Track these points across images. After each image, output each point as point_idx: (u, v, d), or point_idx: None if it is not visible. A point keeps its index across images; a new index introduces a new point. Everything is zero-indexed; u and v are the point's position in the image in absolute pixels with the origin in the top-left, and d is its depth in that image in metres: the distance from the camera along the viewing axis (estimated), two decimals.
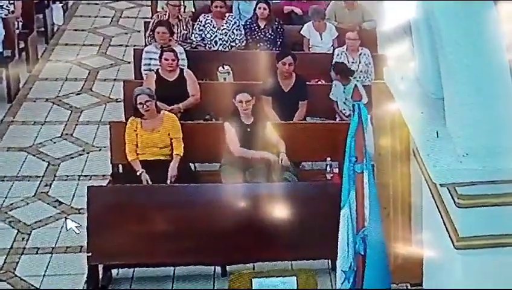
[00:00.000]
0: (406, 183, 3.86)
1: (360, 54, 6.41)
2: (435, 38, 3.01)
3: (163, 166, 5.13)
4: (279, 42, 6.98)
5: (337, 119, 6.00)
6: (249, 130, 5.20)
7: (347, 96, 5.94)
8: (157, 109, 5.31)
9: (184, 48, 6.56)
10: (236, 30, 6.90)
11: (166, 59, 5.85)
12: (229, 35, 6.87)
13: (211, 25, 6.87)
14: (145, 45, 6.81)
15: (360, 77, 6.32)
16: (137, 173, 5.10)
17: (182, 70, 5.99)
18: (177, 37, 6.77)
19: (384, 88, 3.73)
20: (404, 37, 3.58)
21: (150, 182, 5.06)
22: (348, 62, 6.34)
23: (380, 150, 3.84)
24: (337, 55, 6.44)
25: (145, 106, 5.18)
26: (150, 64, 6.28)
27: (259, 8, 6.98)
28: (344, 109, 6.02)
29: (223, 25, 6.87)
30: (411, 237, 3.88)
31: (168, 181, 5.09)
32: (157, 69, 5.97)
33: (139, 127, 5.21)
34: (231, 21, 6.93)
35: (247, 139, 5.17)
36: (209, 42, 6.88)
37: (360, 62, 6.37)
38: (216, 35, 6.85)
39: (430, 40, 3.15)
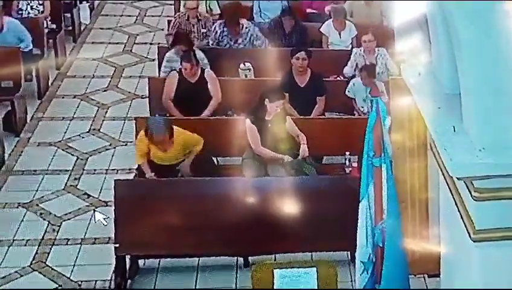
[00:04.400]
0: (423, 178, 3.91)
1: (376, 56, 6.41)
2: (451, 34, 3.05)
3: (175, 169, 5.18)
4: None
5: (356, 115, 6.02)
6: (269, 125, 5.29)
7: (368, 94, 5.92)
8: (170, 136, 5.08)
9: (206, 43, 6.53)
10: (256, 40, 6.79)
11: (185, 68, 5.86)
12: (247, 46, 6.78)
13: (227, 37, 6.82)
14: (167, 42, 6.86)
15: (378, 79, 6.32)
16: (146, 176, 5.15)
17: (202, 71, 5.99)
18: (197, 36, 6.83)
19: (401, 84, 3.78)
20: (420, 32, 3.62)
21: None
22: (365, 64, 6.32)
23: (397, 144, 3.90)
24: (355, 53, 6.45)
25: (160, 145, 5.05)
26: (171, 68, 6.27)
27: (285, 20, 6.88)
28: (362, 107, 6.03)
29: (238, 40, 6.81)
30: (428, 229, 3.93)
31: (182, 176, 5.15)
32: (180, 69, 5.98)
33: (150, 144, 5.14)
34: (247, 34, 6.77)
35: (267, 134, 5.25)
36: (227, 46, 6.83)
37: (377, 64, 6.36)
38: (232, 46, 6.79)
39: (446, 35, 3.19)
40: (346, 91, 6.10)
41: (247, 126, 5.27)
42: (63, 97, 7.35)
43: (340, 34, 7.01)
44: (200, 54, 6.33)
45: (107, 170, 6.09)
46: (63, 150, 6.41)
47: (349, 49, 6.78)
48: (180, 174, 5.23)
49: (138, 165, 5.60)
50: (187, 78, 5.94)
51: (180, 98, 5.57)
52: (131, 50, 8.47)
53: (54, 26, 7.80)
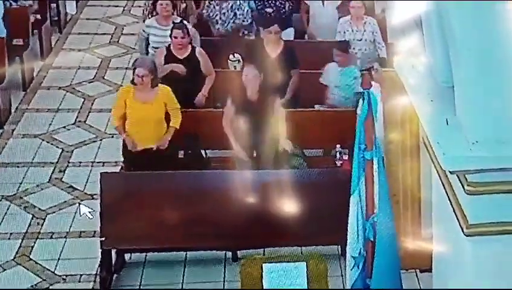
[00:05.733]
0: (415, 172, 3.89)
1: (364, 23, 6.28)
2: (445, 27, 3.02)
3: (157, 157, 5.04)
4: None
5: (325, 106, 5.84)
6: (254, 106, 5.15)
7: (342, 80, 5.79)
8: (152, 83, 5.04)
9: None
10: (238, 10, 6.69)
11: (175, 37, 5.60)
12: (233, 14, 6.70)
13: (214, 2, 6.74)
14: (143, 21, 6.70)
15: (365, 49, 6.21)
16: (122, 137, 5.06)
17: (193, 48, 5.77)
18: (178, 13, 6.61)
19: (394, 77, 3.74)
20: (416, 30, 3.58)
21: (135, 147, 5.04)
22: (353, 31, 6.26)
23: (390, 139, 3.87)
24: (341, 24, 6.33)
25: (140, 79, 4.97)
26: (147, 39, 6.16)
27: None
28: (333, 94, 5.84)
29: (223, 5, 6.68)
30: (421, 223, 3.91)
31: (154, 147, 5.04)
32: (169, 45, 5.74)
33: (130, 97, 5.05)
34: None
35: (251, 116, 5.10)
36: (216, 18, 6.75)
37: (365, 31, 6.24)
38: (219, 15, 6.72)
39: (441, 29, 3.16)
40: (321, 78, 5.87)
41: (227, 102, 5.15)
42: (48, 88, 7.25)
43: (323, 3, 6.89)
44: (191, 29, 6.11)
45: (92, 162, 6.02)
46: (47, 142, 6.32)
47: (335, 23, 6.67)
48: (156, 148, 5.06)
49: (124, 158, 5.53)
50: (176, 54, 5.68)
51: (169, 74, 5.42)
52: (118, 41, 8.38)
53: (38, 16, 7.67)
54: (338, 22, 6.76)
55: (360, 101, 3.50)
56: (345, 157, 5.22)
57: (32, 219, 5.32)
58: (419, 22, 3.49)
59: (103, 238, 4.59)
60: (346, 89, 5.78)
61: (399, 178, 3.89)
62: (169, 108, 5.14)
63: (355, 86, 5.67)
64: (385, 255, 3.50)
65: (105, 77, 7.51)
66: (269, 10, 6.84)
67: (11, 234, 5.17)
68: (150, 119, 5.08)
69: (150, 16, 6.54)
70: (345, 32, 6.28)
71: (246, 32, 6.86)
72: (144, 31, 6.28)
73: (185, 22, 6.21)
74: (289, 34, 6.82)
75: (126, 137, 5.08)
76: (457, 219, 3.09)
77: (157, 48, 5.99)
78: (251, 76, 5.13)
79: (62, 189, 5.67)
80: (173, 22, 5.95)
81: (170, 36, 5.74)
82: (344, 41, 6.10)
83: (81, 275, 4.78)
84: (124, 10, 9.24)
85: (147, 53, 6.18)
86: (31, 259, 4.92)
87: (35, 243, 5.07)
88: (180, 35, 5.62)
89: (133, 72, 5.09)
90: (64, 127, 6.55)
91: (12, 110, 6.76)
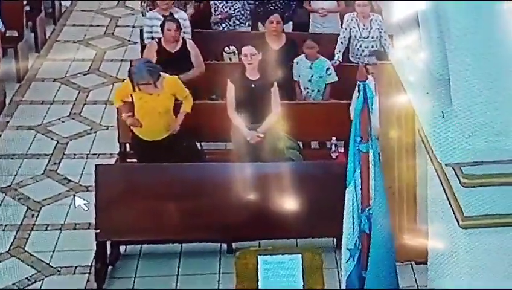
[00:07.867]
0: (411, 164, 3.89)
1: (371, 20, 6.25)
2: (442, 22, 3.01)
3: (164, 146, 5.04)
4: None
5: (296, 100, 5.82)
6: (253, 86, 5.13)
7: (314, 73, 5.79)
8: (155, 84, 4.92)
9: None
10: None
11: (169, 29, 5.60)
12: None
13: None
14: (142, 15, 6.75)
15: (372, 46, 6.19)
16: (123, 116, 5.02)
17: (184, 41, 5.80)
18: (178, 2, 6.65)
19: (390, 69, 3.73)
20: (412, 23, 3.58)
21: (137, 125, 5.00)
22: (359, 28, 6.24)
23: (386, 132, 3.86)
24: (347, 20, 6.30)
25: (144, 87, 4.88)
26: (151, 32, 6.16)
27: None
28: (307, 88, 5.83)
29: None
30: (416, 215, 3.92)
31: (168, 133, 5.03)
32: (159, 39, 5.77)
33: (136, 89, 4.92)
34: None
35: (250, 95, 5.08)
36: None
37: (371, 28, 6.22)
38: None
39: (438, 23, 3.15)
40: (294, 75, 5.82)
41: (228, 86, 5.13)
42: (42, 80, 7.21)
43: None
44: (182, 15, 6.14)
45: (87, 154, 6.01)
46: (42, 134, 6.30)
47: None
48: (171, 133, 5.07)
49: (119, 150, 5.53)
50: (167, 48, 5.70)
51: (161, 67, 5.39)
52: (113, 33, 8.34)
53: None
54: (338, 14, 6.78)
55: (355, 92, 3.50)
56: (341, 149, 5.23)
57: (27, 210, 5.31)
58: (416, 16, 3.48)
59: (98, 230, 4.59)
60: (319, 82, 5.81)
61: (395, 170, 3.88)
62: (179, 97, 5.11)
63: (328, 76, 5.76)
64: (380, 248, 3.50)
65: (100, 69, 7.48)
66: (271, 8, 6.83)
67: (5, 225, 5.16)
68: (157, 110, 5.01)
69: (149, 9, 6.53)
70: (351, 30, 6.27)
71: (238, 22, 6.81)
72: (148, 25, 6.25)
73: (184, 13, 6.22)
74: (287, 28, 6.80)
75: (128, 117, 4.98)
76: (453, 212, 3.09)
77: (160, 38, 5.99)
78: (250, 55, 5.11)
79: (57, 181, 5.66)
80: (171, 14, 5.96)
81: (162, 30, 5.72)
82: (316, 34, 6.10)
83: (76, 267, 4.78)
84: (118, 2, 9.20)
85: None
86: (25, 251, 4.91)
87: (30, 235, 5.06)
88: (174, 28, 5.64)
89: (130, 78, 4.96)
90: (59, 119, 6.53)
91: (7, 102, 6.73)
